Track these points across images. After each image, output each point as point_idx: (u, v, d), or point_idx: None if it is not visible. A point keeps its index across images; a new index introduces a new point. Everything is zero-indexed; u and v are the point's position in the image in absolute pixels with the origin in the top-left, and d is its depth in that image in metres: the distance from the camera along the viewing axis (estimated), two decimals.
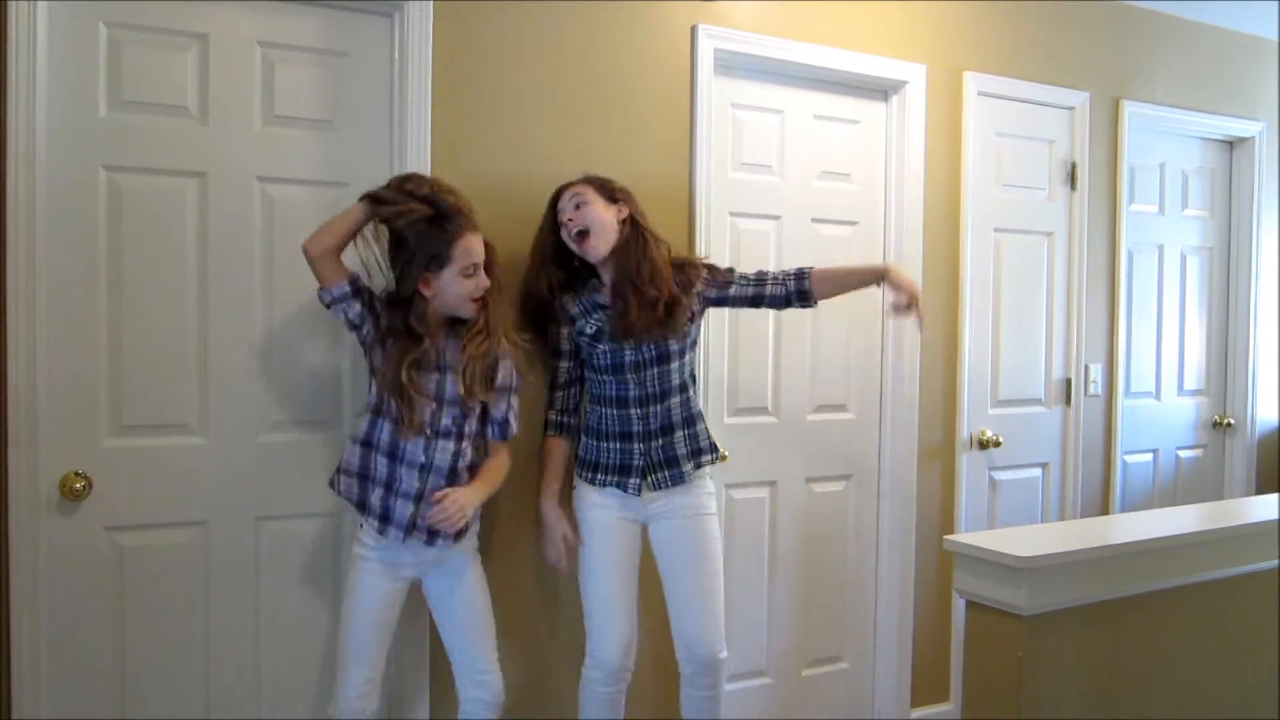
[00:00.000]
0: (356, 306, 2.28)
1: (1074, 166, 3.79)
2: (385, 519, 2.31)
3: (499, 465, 2.48)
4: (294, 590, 2.55)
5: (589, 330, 2.56)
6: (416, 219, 2.26)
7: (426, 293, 2.29)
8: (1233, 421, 4.40)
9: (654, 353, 2.54)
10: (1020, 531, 2.49)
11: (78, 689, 2.33)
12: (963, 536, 2.33)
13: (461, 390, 2.32)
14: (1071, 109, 3.77)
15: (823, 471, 3.37)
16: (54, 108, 2.25)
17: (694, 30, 2.97)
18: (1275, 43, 4.31)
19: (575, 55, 2.82)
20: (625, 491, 2.56)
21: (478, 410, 2.39)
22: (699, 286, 2.62)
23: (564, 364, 2.64)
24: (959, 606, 3.39)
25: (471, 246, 2.31)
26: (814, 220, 3.30)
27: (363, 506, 2.33)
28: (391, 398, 2.27)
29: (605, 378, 2.56)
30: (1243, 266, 4.37)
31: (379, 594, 2.34)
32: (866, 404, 3.46)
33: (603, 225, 2.51)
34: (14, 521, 2.22)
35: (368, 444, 2.33)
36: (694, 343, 2.67)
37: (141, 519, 2.39)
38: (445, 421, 2.33)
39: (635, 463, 2.56)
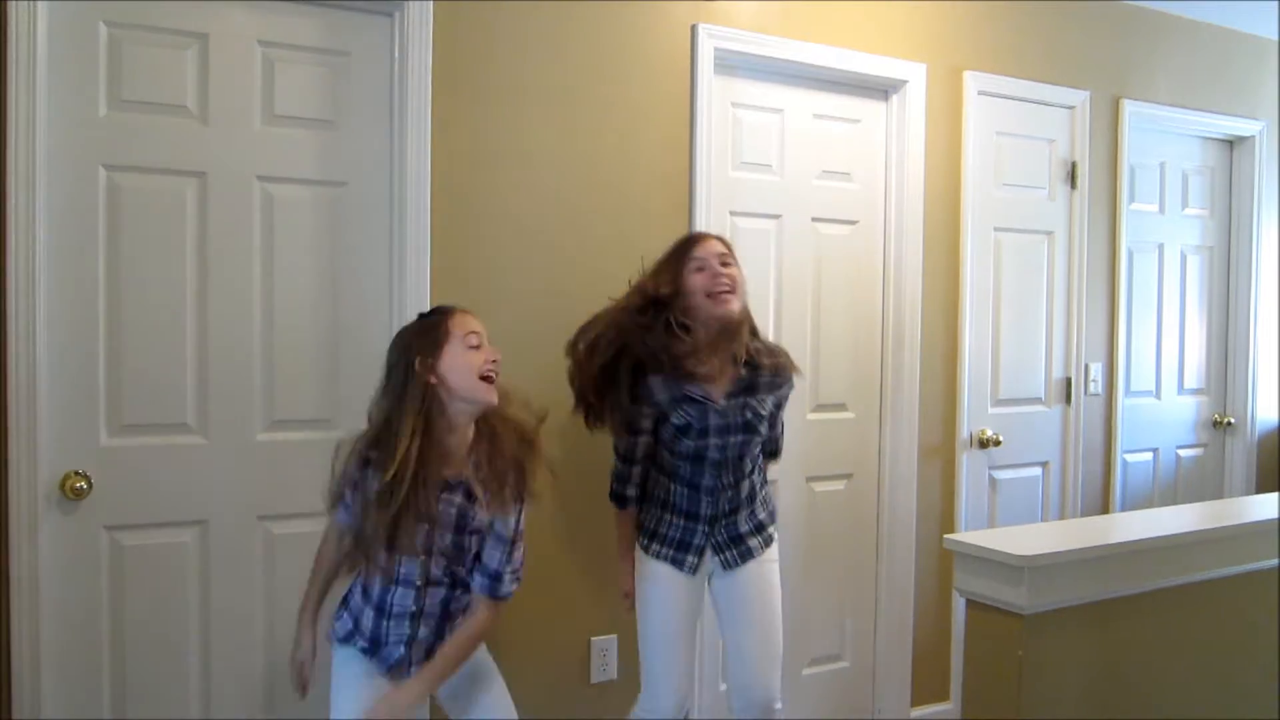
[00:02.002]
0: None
1: (1074, 165, 3.79)
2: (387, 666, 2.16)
3: (468, 637, 2.13)
4: (294, 590, 2.54)
5: (677, 422, 2.43)
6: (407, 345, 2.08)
7: (433, 380, 2.02)
8: (1233, 420, 4.40)
9: (738, 452, 2.47)
10: (1020, 530, 2.49)
11: (78, 689, 2.33)
12: (963, 535, 2.33)
13: (483, 511, 2.08)
14: (1072, 108, 3.77)
15: (823, 471, 3.37)
16: (54, 108, 2.25)
17: (694, 30, 2.97)
18: (1275, 42, 4.31)
19: (575, 54, 2.82)
20: (681, 569, 2.48)
21: (472, 552, 2.14)
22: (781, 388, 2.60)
23: (643, 439, 2.48)
24: (959, 606, 3.39)
25: (466, 320, 2.09)
26: (814, 219, 3.30)
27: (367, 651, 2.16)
28: (371, 550, 2.06)
29: (682, 464, 2.47)
30: (1243, 266, 4.37)
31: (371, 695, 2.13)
32: (866, 403, 3.46)
33: (741, 287, 2.45)
34: (14, 521, 2.23)
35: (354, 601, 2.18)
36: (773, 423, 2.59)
37: (142, 518, 2.39)
38: (435, 572, 2.12)
39: (696, 541, 2.49)
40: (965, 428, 3.59)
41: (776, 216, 3.23)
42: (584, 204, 2.84)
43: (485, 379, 2.06)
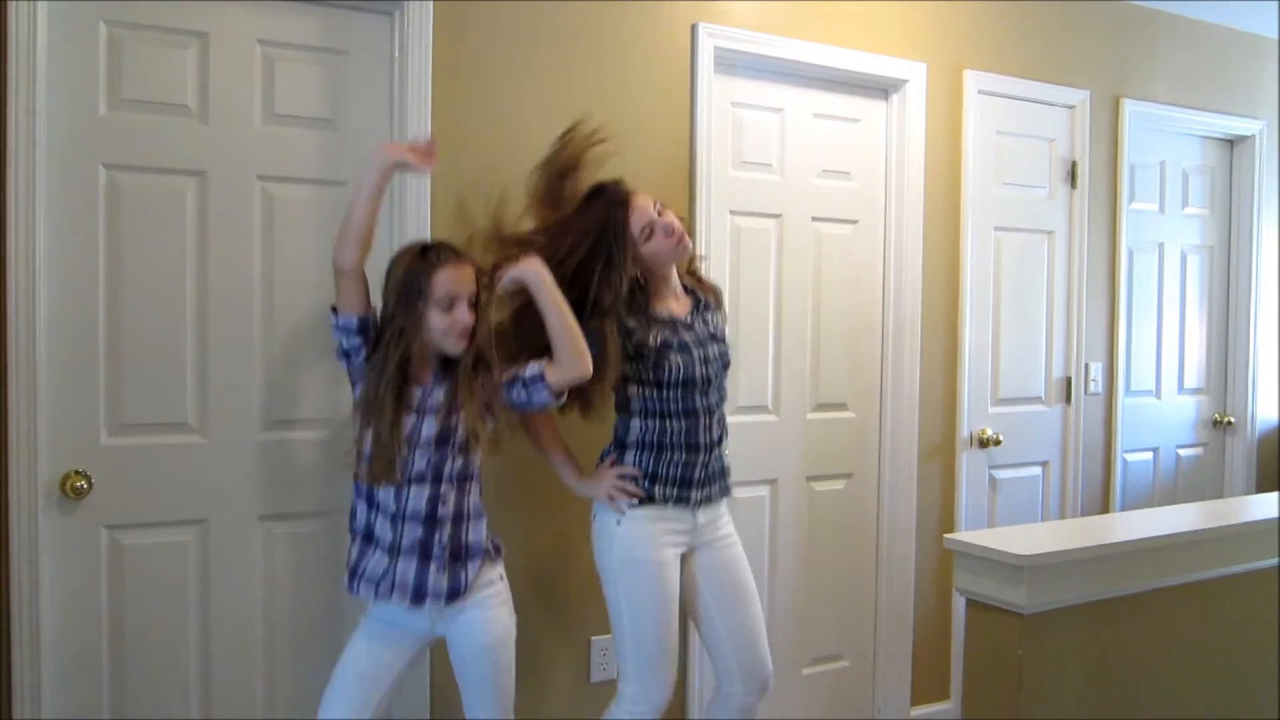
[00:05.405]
0: (356, 341, 2.17)
1: (1074, 165, 3.79)
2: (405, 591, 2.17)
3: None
4: (295, 589, 2.55)
5: (655, 342, 2.37)
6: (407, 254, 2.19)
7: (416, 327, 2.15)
8: (1233, 420, 4.40)
9: (720, 364, 2.47)
10: (1020, 530, 2.50)
11: (78, 689, 2.33)
12: (963, 535, 2.33)
13: (465, 433, 2.17)
14: (1072, 107, 3.77)
15: (823, 470, 3.37)
16: (54, 107, 2.25)
17: (694, 29, 2.97)
18: (1275, 41, 4.31)
19: (575, 53, 2.82)
20: (687, 505, 2.40)
21: (462, 452, 2.20)
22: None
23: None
24: (959, 605, 3.39)
25: (451, 278, 2.15)
26: (814, 219, 3.30)
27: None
28: (367, 426, 2.14)
29: (672, 392, 2.39)
30: (1243, 265, 4.37)
31: (370, 654, 2.20)
32: (866, 403, 3.46)
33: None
34: (14, 520, 2.22)
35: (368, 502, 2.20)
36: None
37: (142, 518, 2.39)
38: (419, 466, 2.15)
39: (696, 475, 2.41)
40: (965, 427, 3.59)
41: (777, 216, 3.23)
42: None
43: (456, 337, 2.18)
